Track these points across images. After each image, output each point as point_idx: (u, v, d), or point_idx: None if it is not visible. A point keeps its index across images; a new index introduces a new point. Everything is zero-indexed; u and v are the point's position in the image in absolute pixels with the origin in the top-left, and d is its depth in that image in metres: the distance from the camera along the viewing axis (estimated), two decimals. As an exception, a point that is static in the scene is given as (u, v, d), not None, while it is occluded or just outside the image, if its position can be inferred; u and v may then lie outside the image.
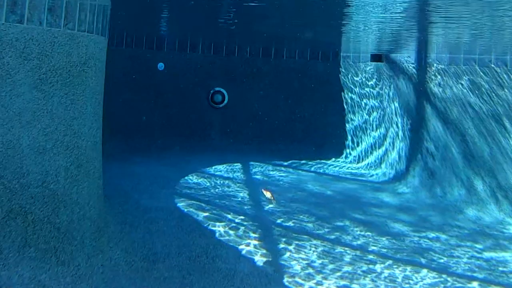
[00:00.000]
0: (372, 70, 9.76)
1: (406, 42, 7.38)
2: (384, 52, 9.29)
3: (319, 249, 5.10)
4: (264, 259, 4.74)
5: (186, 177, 7.62)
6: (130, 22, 7.94)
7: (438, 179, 7.65)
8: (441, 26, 5.46)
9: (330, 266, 4.68)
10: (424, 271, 4.71)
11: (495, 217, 6.49)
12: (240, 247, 4.97)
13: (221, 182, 7.61)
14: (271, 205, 4.33)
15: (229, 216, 5.88)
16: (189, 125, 10.27)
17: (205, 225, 5.49)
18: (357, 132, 10.14)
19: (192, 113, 10.32)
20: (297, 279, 4.38)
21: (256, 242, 5.13)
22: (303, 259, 4.81)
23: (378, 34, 6.85)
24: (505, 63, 6.78)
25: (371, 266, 4.75)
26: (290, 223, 5.86)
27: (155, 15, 6.66)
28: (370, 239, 5.52)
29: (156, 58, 10.09)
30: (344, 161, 10.03)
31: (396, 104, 8.97)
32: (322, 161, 9.89)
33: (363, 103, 10.01)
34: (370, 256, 5.01)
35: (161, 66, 10.08)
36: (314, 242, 5.29)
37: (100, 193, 4.77)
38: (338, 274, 4.52)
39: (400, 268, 4.73)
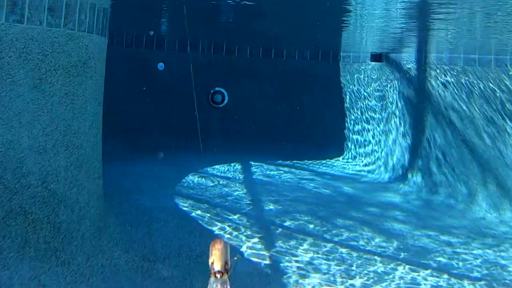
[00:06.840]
0: (372, 69, 9.75)
1: (406, 41, 7.37)
2: (385, 51, 9.28)
3: (320, 249, 5.09)
4: (264, 259, 4.73)
5: (186, 177, 7.62)
6: (130, 22, 7.94)
7: (440, 179, 7.64)
8: (441, 26, 5.45)
9: (330, 266, 4.67)
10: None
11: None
12: (240, 247, 4.97)
13: (221, 182, 7.61)
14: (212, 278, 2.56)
15: (229, 216, 5.87)
16: (189, 124, 10.25)
17: (205, 225, 5.48)
18: (358, 132, 10.14)
19: (192, 113, 10.29)
20: (297, 279, 4.37)
21: (256, 242, 5.12)
22: (303, 259, 4.81)
23: (379, 34, 6.84)
24: (505, 63, 6.78)
25: (373, 266, 4.75)
26: (290, 223, 5.85)
27: (155, 15, 6.66)
28: (370, 239, 5.51)
29: (156, 58, 10.08)
30: (344, 161, 10.02)
31: (397, 104, 8.96)
32: (323, 161, 9.88)
33: (363, 103, 10.01)
34: (370, 256, 5.00)
35: (161, 66, 10.07)
36: (315, 242, 5.28)
37: (100, 193, 4.77)
38: (338, 274, 4.51)
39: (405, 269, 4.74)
